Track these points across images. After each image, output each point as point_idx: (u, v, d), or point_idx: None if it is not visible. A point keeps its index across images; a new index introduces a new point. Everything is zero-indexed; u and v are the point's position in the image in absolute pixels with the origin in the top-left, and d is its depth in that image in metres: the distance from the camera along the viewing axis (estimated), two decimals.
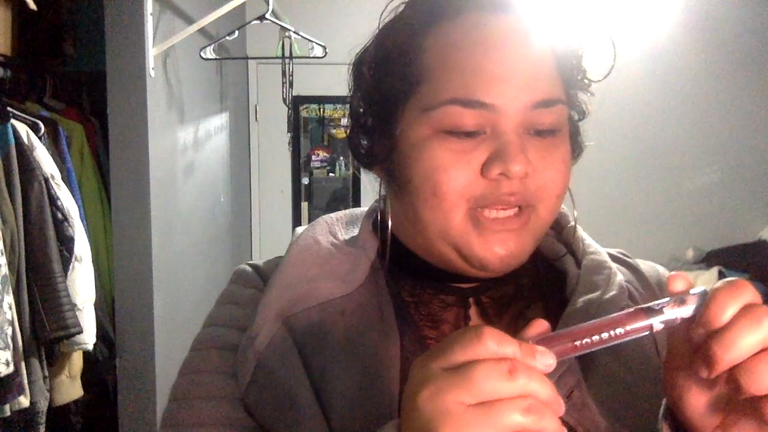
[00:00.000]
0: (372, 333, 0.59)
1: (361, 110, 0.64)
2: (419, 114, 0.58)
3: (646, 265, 0.70)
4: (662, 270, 0.70)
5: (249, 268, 0.69)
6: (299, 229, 0.70)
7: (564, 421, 0.55)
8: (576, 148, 0.66)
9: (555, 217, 0.61)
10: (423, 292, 0.64)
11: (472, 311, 0.64)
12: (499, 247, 0.57)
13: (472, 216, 0.57)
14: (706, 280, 3.21)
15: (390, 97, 0.61)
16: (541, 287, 0.66)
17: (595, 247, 0.68)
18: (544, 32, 0.59)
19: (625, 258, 0.70)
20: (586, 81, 0.64)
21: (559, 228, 0.69)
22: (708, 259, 3.59)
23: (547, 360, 0.41)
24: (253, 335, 0.59)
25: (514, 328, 0.63)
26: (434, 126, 0.57)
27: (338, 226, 0.70)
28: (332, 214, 0.72)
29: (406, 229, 0.64)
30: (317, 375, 0.58)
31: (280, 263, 0.66)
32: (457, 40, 0.58)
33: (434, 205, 0.57)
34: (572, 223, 0.68)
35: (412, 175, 0.59)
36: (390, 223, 0.65)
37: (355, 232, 0.68)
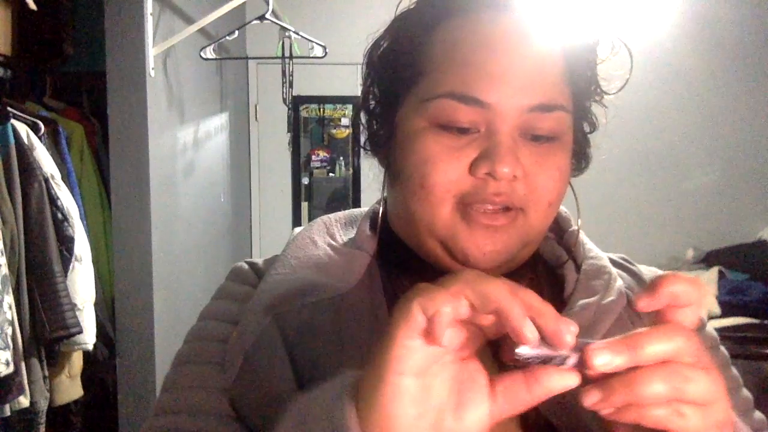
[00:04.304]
0: (363, 334, 0.59)
1: (369, 95, 0.65)
2: (417, 104, 0.59)
3: (647, 271, 0.69)
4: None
5: (246, 266, 0.70)
6: (297, 230, 0.71)
7: (550, 423, 0.55)
8: (583, 160, 0.65)
9: (547, 224, 0.60)
10: None
11: None
12: (484, 242, 0.56)
13: (460, 210, 0.57)
14: (706, 280, 3.21)
15: (394, 85, 0.62)
16: (540, 291, 0.65)
17: (596, 252, 0.67)
18: (554, 37, 0.58)
19: (627, 264, 0.69)
20: (598, 93, 0.63)
21: (561, 232, 0.68)
22: (708, 259, 3.58)
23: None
24: (243, 330, 0.60)
25: None
26: (429, 118, 0.57)
27: (336, 227, 0.70)
28: (331, 215, 0.72)
29: (399, 223, 0.64)
30: (305, 375, 0.57)
31: (276, 261, 0.66)
32: (463, 37, 0.58)
33: (422, 197, 0.57)
34: (574, 228, 0.67)
35: (405, 165, 0.59)
36: (388, 221, 0.66)
37: (353, 233, 0.68)
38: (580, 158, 0.65)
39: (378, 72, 0.64)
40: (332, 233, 0.69)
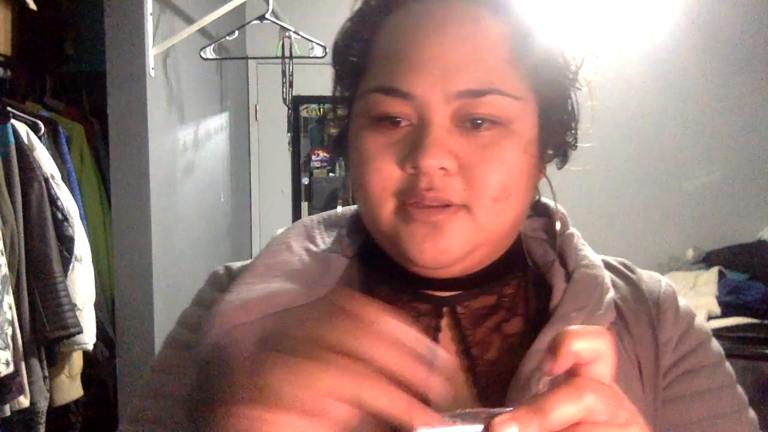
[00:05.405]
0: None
1: (333, 99, 0.64)
2: (358, 103, 0.58)
3: (649, 279, 0.64)
4: (665, 284, 0.63)
5: (222, 270, 0.67)
6: (278, 231, 0.68)
7: None
8: (559, 150, 0.62)
9: (501, 222, 0.55)
10: (398, 299, 0.61)
11: (444, 322, 0.59)
12: (423, 240, 0.53)
13: (401, 209, 0.54)
14: (705, 280, 3.21)
15: (345, 88, 0.61)
16: (527, 299, 0.61)
17: (591, 258, 0.62)
18: (496, 22, 0.55)
19: (626, 270, 0.64)
20: (568, 77, 0.60)
21: (554, 235, 0.64)
22: (708, 259, 3.58)
23: None
24: (200, 341, 0.57)
25: (489, 341, 0.58)
26: (365, 115, 0.56)
27: (318, 230, 0.66)
28: (314, 216, 0.69)
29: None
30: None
31: (246, 268, 0.62)
32: (396, 30, 0.56)
33: (365, 197, 0.56)
34: (570, 230, 0.63)
35: (352, 165, 0.58)
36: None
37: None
38: (556, 148, 0.61)
39: (337, 74, 0.63)
40: (312, 236, 0.65)
